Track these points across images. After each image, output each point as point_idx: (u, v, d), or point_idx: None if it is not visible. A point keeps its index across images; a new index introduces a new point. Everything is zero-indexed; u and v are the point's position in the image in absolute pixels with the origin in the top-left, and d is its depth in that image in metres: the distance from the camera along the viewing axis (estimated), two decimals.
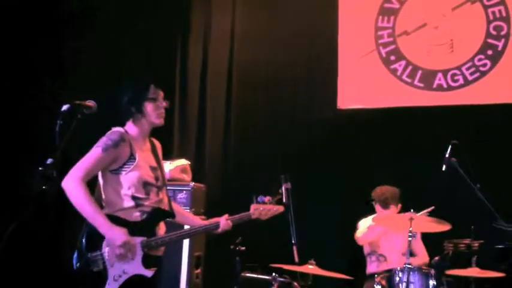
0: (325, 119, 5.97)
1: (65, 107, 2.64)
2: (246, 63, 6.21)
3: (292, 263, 4.00)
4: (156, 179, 3.16)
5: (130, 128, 3.16)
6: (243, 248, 4.09)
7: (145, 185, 3.09)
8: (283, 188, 3.55)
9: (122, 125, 3.17)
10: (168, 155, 5.29)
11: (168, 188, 3.42)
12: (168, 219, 3.27)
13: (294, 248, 4.04)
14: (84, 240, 3.01)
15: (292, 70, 6.13)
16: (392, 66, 5.83)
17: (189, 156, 5.80)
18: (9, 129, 5.56)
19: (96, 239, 2.97)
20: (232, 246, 4.09)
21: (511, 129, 5.30)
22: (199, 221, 3.47)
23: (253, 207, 3.36)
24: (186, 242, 4.83)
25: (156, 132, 3.38)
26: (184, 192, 4.99)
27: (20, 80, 5.70)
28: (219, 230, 3.33)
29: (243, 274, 4.35)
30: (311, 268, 4.47)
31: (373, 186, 5.00)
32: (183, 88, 6.21)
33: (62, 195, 2.93)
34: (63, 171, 2.94)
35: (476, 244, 4.30)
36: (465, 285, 4.28)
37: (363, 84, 5.92)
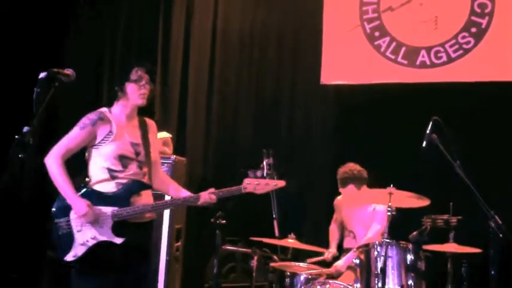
0: (308, 93, 5.97)
1: (42, 75, 2.61)
2: (229, 38, 6.16)
3: (273, 236, 4.03)
4: (137, 154, 3.33)
5: (115, 107, 3.40)
6: (224, 222, 4.10)
7: (122, 158, 3.28)
8: (264, 163, 3.55)
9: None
10: None
11: None
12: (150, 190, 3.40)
13: (275, 222, 4.06)
14: (54, 209, 3.29)
15: (276, 45, 6.09)
16: (376, 43, 5.81)
17: (171, 129, 5.78)
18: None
19: (65, 208, 3.24)
20: (212, 220, 4.09)
21: (493, 106, 5.34)
22: (184, 193, 3.49)
23: (246, 180, 3.38)
24: (166, 215, 4.83)
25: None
26: (166, 165, 4.97)
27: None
28: (199, 202, 3.37)
29: (223, 247, 4.37)
30: (291, 242, 4.49)
31: (354, 161, 5.00)
32: (165, 60, 6.15)
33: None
34: None
35: (454, 220, 4.34)
36: (442, 260, 4.34)
37: (347, 59, 5.89)
